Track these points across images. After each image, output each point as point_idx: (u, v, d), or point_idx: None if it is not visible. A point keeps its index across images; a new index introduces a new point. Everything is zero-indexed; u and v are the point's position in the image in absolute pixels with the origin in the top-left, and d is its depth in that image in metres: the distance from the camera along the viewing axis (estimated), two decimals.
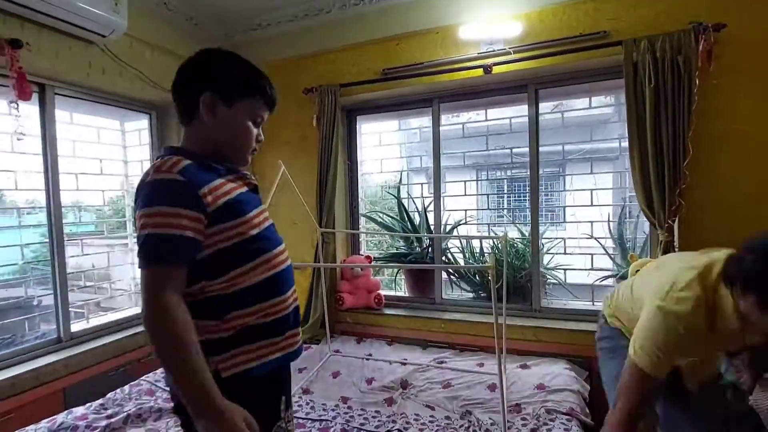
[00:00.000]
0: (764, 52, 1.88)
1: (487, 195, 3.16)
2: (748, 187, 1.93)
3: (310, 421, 1.82)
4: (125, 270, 2.81)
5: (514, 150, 2.88)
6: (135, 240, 0.84)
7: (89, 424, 1.74)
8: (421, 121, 3.30)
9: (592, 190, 2.55)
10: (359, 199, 3.08)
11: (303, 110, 2.83)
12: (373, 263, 2.97)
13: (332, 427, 1.77)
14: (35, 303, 2.42)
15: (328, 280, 2.77)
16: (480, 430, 1.71)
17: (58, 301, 2.25)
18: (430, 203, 2.87)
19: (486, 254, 3.00)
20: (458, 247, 3.06)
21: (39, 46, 1.99)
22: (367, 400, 2.01)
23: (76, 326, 2.34)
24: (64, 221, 2.28)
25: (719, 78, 1.90)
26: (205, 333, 0.85)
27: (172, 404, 0.94)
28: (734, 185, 1.96)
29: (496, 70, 2.30)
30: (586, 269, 2.61)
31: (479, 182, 3.38)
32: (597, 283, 2.59)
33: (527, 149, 2.51)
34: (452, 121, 3.12)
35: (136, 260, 0.82)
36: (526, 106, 2.49)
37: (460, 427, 1.74)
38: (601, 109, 3.94)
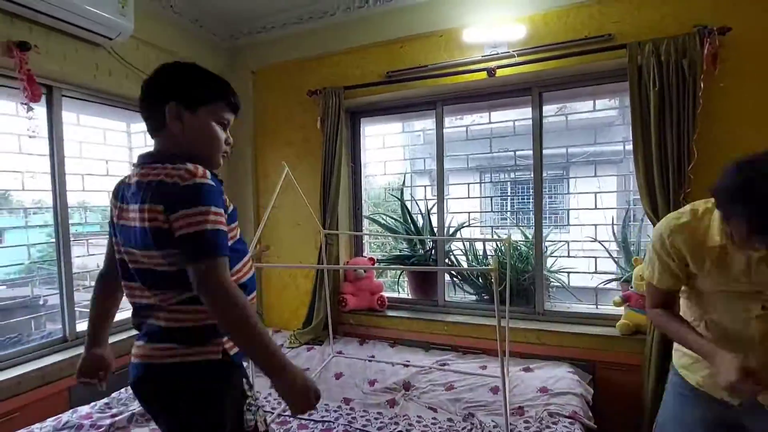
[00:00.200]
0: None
1: (491, 198, 3.16)
2: None
3: (312, 422, 1.83)
4: None
5: (517, 153, 2.88)
6: (181, 234, 0.88)
7: (94, 423, 1.76)
8: (425, 124, 3.31)
9: (596, 193, 2.54)
10: (362, 201, 3.08)
11: (307, 112, 2.85)
12: (376, 265, 2.98)
13: (335, 428, 1.77)
14: (41, 302, 2.45)
15: (332, 281, 2.78)
16: None
17: (64, 300, 2.27)
18: (434, 205, 2.87)
19: (489, 257, 3.00)
20: (461, 250, 3.06)
21: (47, 48, 2.01)
22: (370, 401, 2.01)
23: (81, 326, 2.36)
24: (70, 221, 2.31)
25: (724, 81, 1.89)
26: (210, 318, 0.95)
27: None
28: None
29: (499, 73, 2.30)
30: (589, 272, 2.60)
31: (483, 185, 3.38)
32: (601, 286, 2.59)
33: (531, 152, 2.51)
34: (456, 123, 3.13)
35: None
36: (530, 109, 2.49)
37: (463, 429, 1.74)
38: (605, 112, 3.93)
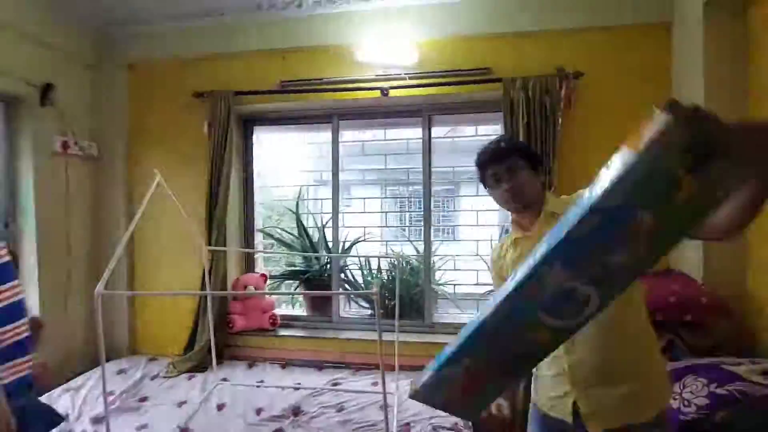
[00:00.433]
0: (611, 95, 2.21)
1: (386, 213, 3.24)
2: None
3: None
4: None
5: (412, 168, 2.99)
6: None
7: None
8: (324, 136, 3.27)
9: (478, 211, 2.75)
10: (255, 214, 2.92)
11: (193, 115, 2.61)
12: (267, 282, 2.83)
13: None
14: None
15: (218, 301, 2.57)
16: None
17: None
18: (329, 220, 2.84)
19: (384, 271, 3.05)
20: (357, 264, 3.07)
21: None
22: None
23: None
24: None
25: (578, 117, 2.20)
26: None
27: None
28: None
29: (393, 93, 2.37)
30: (471, 284, 2.80)
31: (383, 199, 3.45)
32: (482, 296, 2.80)
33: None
34: (354, 137, 3.14)
35: None
36: (421, 129, 2.61)
37: None
38: (488, 136, 4.30)
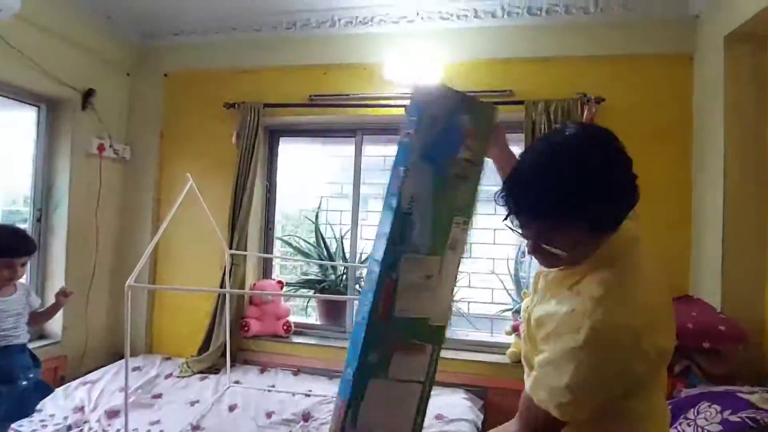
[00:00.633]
0: (632, 121, 2.24)
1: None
2: None
3: None
4: None
5: None
6: None
7: None
8: (346, 149, 3.36)
9: (495, 230, 2.78)
10: (275, 222, 2.99)
11: (223, 125, 2.72)
12: (284, 289, 2.88)
13: None
14: None
15: (234, 304, 2.62)
16: None
17: None
18: (347, 231, 2.89)
19: None
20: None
21: None
22: None
23: None
24: None
25: None
26: None
27: None
28: None
29: None
30: (486, 302, 2.80)
31: None
32: (496, 315, 2.80)
33: None
34: (376, 152, 3.21)
35: None
36: None
37: None
38: None
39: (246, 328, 2.66)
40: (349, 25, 2.51)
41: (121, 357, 2.65)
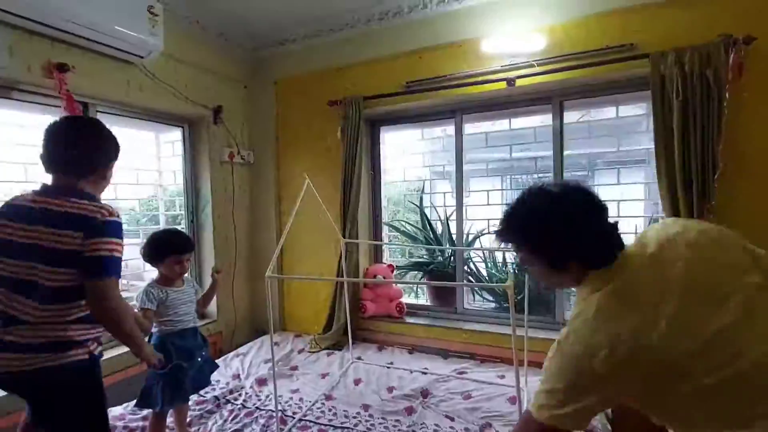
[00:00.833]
0: None
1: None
2: None
3: (332, 428, 1.88)
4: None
5: (540, 156, 2.85)
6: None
7: (126, 425, 1.86)
8: (445, 129, 3.32)
9: (618, 201, 2.51)
10: (382, 208, 3.12)
11: (328, 122, 2.90)
12: (394, 272, 3.01)
13: None
14: None
15: (351, 288, 2.83)
16: None
17: None
18: (453, 212, 2.89)
19: (509, 264, 2.99)
20: (480, 257, 3.06)
21: (83, 68, 2.12)
22: (388, 408, 2.05)
23: None
24: None
25: (748, 91, 1.85)
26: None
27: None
28: None
29: (519, 83, 2.30)
30: None
31: (503, 191, 3.37)
32: None
33: (552, 155, 2.49)
34: (475, 129, 3.12)
35: None
36: (550, 116, 2.48)
37: None
38: (630, 115, 3.82)
39: (363, 310, 2.87)
40: (441, 4, 2.44)
41: (262, 333, 3.10)
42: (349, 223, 2.78)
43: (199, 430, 1.91)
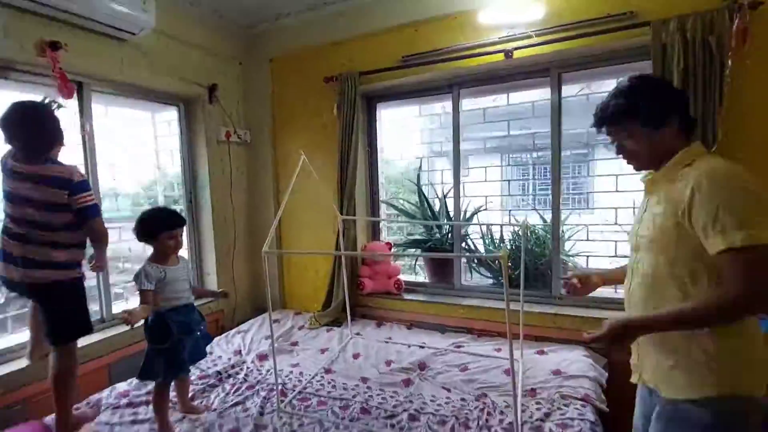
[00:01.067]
0: None
1: (509, 181, 3.13)
2: None
3: (331, 399, 1.93)
4: None
5: (536, 133, 2.82)
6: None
7: (131, 402, 1.91)
8: (443, 105, 3.28)
9: (617, 175, 2.49)
10: (379, 186, 3.11)
11: (324, 99, 2.87)
12: (392, 249, 3.02)
13: (352, 405, 1.86)
14: None
15: (350, 265, 2.86)
16: (494, 411, 1.76)
17: (101, 284, 2.43)
18: (450, 189, 2.88)
19: (507, 241, 3.00)
20: (479, 234, 3.07)
21: (76, 46, 2.10)
22: (386, 380, 2.09)
23: (117, 307, 2.52)
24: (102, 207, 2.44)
25: (752, 58, 1.81)
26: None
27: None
28: None
29: (517, 54, 2.25)
30: (609, 256, 2.57)
31: (503, 167, 3.35)
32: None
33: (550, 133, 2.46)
34: (473, 105, 3.08)
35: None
36: (549, 90, 2.44)
37: (475, 408, 1.80)
38: None
39: (361, 287, 2.89)
40: None
41: (263, 311, 3.15)
42: (346, 201, 2.78)
43: (202, 402, 1.96)
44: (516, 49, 2.24)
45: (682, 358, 1.04)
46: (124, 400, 1.93)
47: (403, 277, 3.00)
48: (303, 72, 2.98)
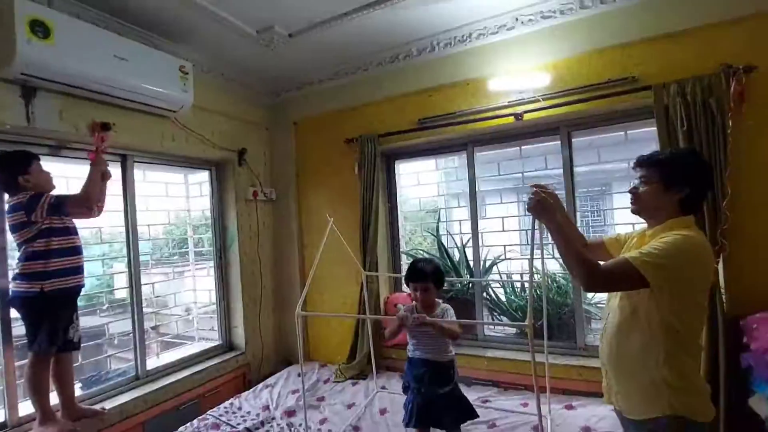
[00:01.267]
0: None
1: (527, 230, 3.19)
2: None
3: None
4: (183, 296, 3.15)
5: (553, 173, 2.88)
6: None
7: None
8: (459, 156, 3.40)
9: (634, 224, 2.54)
10: (400, 238, 3.22)
11: (345, 157, 3.05)
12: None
13: None
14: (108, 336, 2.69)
15: (374, 320, 2.90)
16: None
17: (137, 341, 2.54)
18: (469, 240, 2.96)
19: (527, 288, 3.03)
20: (499, 283, 3.11)
21: (121, 124, 2.31)
22: None
23: (149, 363, 2.61)
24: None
25: (752, 119, 1.91)
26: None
27: None
28: None
29: (527, 116, 2.40)
30: None
31: (519, 217, 3.43)
32: None
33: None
34: (487, 151, 3.18)
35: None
36: (559, 143, 2.55)
37: None
38: (640, 131, 3.83)
39: (385, 339, 2.92)
40: (448, 47, 2.59)
41: (288, 363, 3.20)
42: (368, 256, 2.88)
43: None
44: (526, 112, 2.39)
45: (637, 382, 1.23)
46: None
47: None
48: (325, 134, 3.19)
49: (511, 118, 2.42)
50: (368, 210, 2.88)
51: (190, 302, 3.18)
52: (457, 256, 3.20)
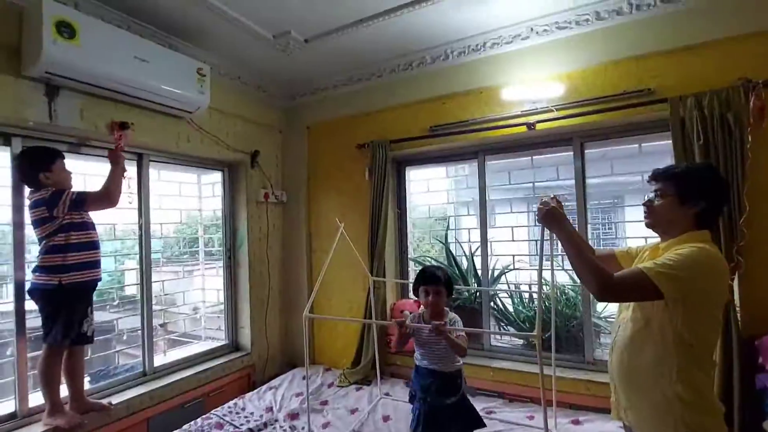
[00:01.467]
0: None
1: (536, 241, 3.16)
2: None
3: None
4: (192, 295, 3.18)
5: (564, 184, 2.86)
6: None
7: None
8: (470, 164, 3.39)
9: (646, 238, 2.50)
10: (408, 244, 3.21)
11: (356, 162, 3.07)
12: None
13: None
14: (116, 331, 2.73)
15: (379, 326, 2.90)
16: None
17: (145, 338, 2.57)
18: (477, 248, 2.94)
19: (535, 299, 3.00)
20: (506, 292, 3.08)
21: (139, 124, 2.37)
22: None
23: (156, 360, 2.64)
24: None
25: None
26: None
27: None
28: None
29: (540, 126, 2.39)
30: None
31: (529, 227, 3.40)
32: None
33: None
34: (499, 160, 3.17)
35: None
36: (572, 154, 2.53)
37: None
38: (655, 144, 3.78)
39: (390, 345, 2.92)
40: (462, 55, 2.60)
41: (293, 365, 3.20)
42: (376, 261, 2.88)
43: None
44: (539, 122, 2.38)
45: (648, 397, 1.20)
46: None
47: None
48: (337, 138, 3.21)
49: (524, 128, 2.41)
50: (377, 215, 2.89)
51: (198, 301, 3.21)
52: (465, 264, 3.18)
